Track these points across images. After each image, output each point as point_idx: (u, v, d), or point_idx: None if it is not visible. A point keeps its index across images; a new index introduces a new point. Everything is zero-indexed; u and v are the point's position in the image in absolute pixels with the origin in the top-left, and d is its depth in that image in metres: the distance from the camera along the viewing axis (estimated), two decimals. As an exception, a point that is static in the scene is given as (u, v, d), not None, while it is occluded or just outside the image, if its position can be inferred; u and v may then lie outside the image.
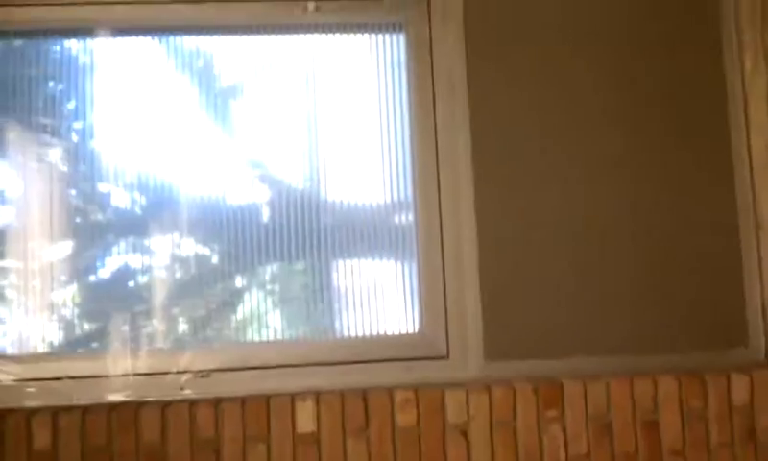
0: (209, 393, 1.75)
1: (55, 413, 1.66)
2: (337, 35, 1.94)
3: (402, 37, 1.93)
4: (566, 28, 1.93)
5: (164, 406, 1.68)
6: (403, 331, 1.87)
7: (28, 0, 1.84)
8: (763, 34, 1.88)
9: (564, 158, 1.89)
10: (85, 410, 1.67)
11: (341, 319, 1.87)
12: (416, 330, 1.86)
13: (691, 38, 1.96)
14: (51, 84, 1.87)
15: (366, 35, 1.94)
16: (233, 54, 1.92)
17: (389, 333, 1.87)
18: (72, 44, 1.90)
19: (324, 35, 1.94)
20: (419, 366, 1.82)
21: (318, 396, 1.71)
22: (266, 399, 1.70)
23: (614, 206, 1.89)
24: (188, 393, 1.76)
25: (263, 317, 1.88)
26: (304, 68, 1.92)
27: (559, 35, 1.92)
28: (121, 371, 1.77)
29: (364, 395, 1.71)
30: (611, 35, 1.94)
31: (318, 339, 1.86)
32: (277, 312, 1.89)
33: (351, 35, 1.94)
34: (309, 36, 1.93)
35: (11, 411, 1.67)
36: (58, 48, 1.89)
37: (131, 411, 1.67)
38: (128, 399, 1.74)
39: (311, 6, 1.90)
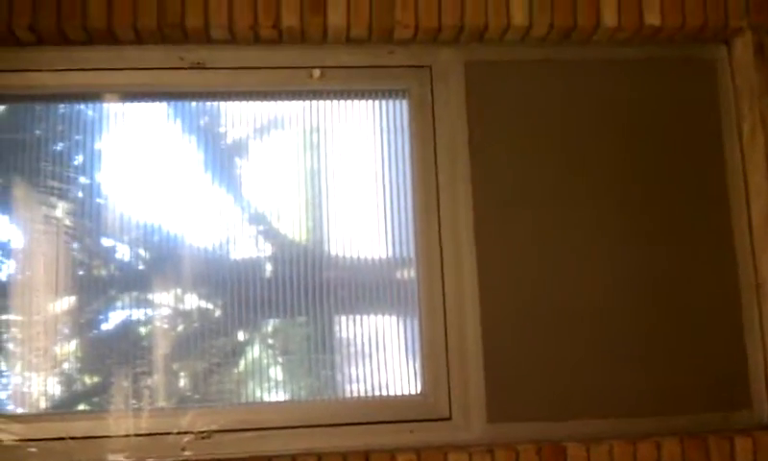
0: (211, 454, 1.75)
1: (56, 474, 1.67)
2: (342, 101, 1.98)
3: (405, 103, 1.97)
4: (569, 96, 1.97)
5: (165, 468, 1.69)
6: (405, 392, 1.87)
7: (38, 66, 1.88)
8: (761, 99, 1.91)
9: (565, 221, 1.91)
10: (87, 471, 1.68)
11: (342, 374, 1.87)
12: (418, 391, 1.86)
13: (690, 106, 1.99)
14: (58, 142, 1.90)
15: (370, 100, 1.98)
16: (239, 114, 1.96)
17: (391, 395, 1.86)
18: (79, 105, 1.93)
19: (328, 101, 1.97)
20: (421, 428, 1.81)
21: (320, 457, 1.70)
22: (267, 460, 1.70)
23: (617, 269, 1.91)
24: (189, 454, 1.75)
25: (265, 371, 1.89)
26: (309, 130, 1.96)
27: (561, 101, 1.96)
28: (122, 431, 1.76)
29: (366, 457, 1.71)
30: (611, 99, 1.98)
31: (320, 400, 1.86)
32: (279, 367, 1.89)
33: (356, 100, 1.98)
34: (314, 102, 1.97)
35: (12, 472, 1.68)
36: (64, 109, 1.92)
37: (131, 472, 1.68)
38: (128, 460, 1.74)
39: (316, 73, 1.94)
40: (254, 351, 1.89)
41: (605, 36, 1.95)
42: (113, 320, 1.87)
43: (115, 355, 1.83)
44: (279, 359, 1.90)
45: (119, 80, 1.90)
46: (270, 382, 1.88)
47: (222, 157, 1.95)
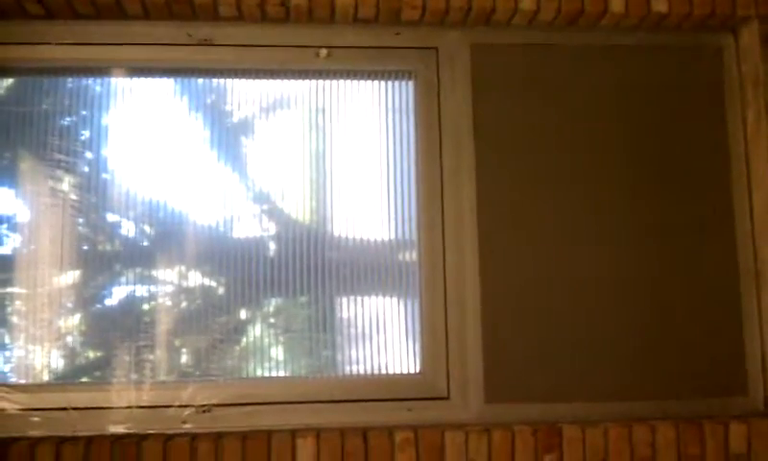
0: (210, 427, 1.77)
1: (59, 443, 1.68)
2: (348, 81, 1.98)
3: (411, 84, 1.98)
4: (574, 81, 1.97)
5: (166, 440, 1.70)
6: (404, 371, 1.88)
7: (47, 40, 1.89)
8: (766, 88, 1.91)
9: (567, 204, 1.92)
10: (89, 441, 1.69)
11: (343, 354, 1.88)
12: (417, 370, 1.88)
13: (695, 93, 2.00)
14: (64, 116, 1.91)
15: (376, 81, 1.99)
16: (245, 92, 1.97)
17: (390, 373, 1.88)
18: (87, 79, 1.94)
19: (335, 80, 1.98)
20: (419, 406, 1.83)
21: (318, 433, 1.72)
22: (267, 434, 1.71)
23: (616, 254, 1.92)
24: (189, 427, 1.77)
25: (266, 350, 1.90)
26: (315, 110, 1.97)
27: (567, 86, 1.97)
28: (124, 403, 1.78)
29: (364, 434, 1.73)
30: (617, 85, 1.98)
31: (319, 377, 1.87)
32: (280, 346, 1.91)
33: (362, 81, 1.99)
34: (321, 81, 1.97)
35: (15, 440, 1.69)
36: (72, 83, 1.93)
37: (133, 444, 1.69)
38: (130, 431, 1.76)
39: (323, 52, 1.95)
40: (256, 330, 1.90)
41: (612, 22, 1.95)
42: (117, 294, 1.89)
43: (118, 329, 1.85)
44: (281, 338, 1.91)
45: (126, 55, 1.92)
46: (271, 361, 1.89)
47: (227, 136, 1.95)
